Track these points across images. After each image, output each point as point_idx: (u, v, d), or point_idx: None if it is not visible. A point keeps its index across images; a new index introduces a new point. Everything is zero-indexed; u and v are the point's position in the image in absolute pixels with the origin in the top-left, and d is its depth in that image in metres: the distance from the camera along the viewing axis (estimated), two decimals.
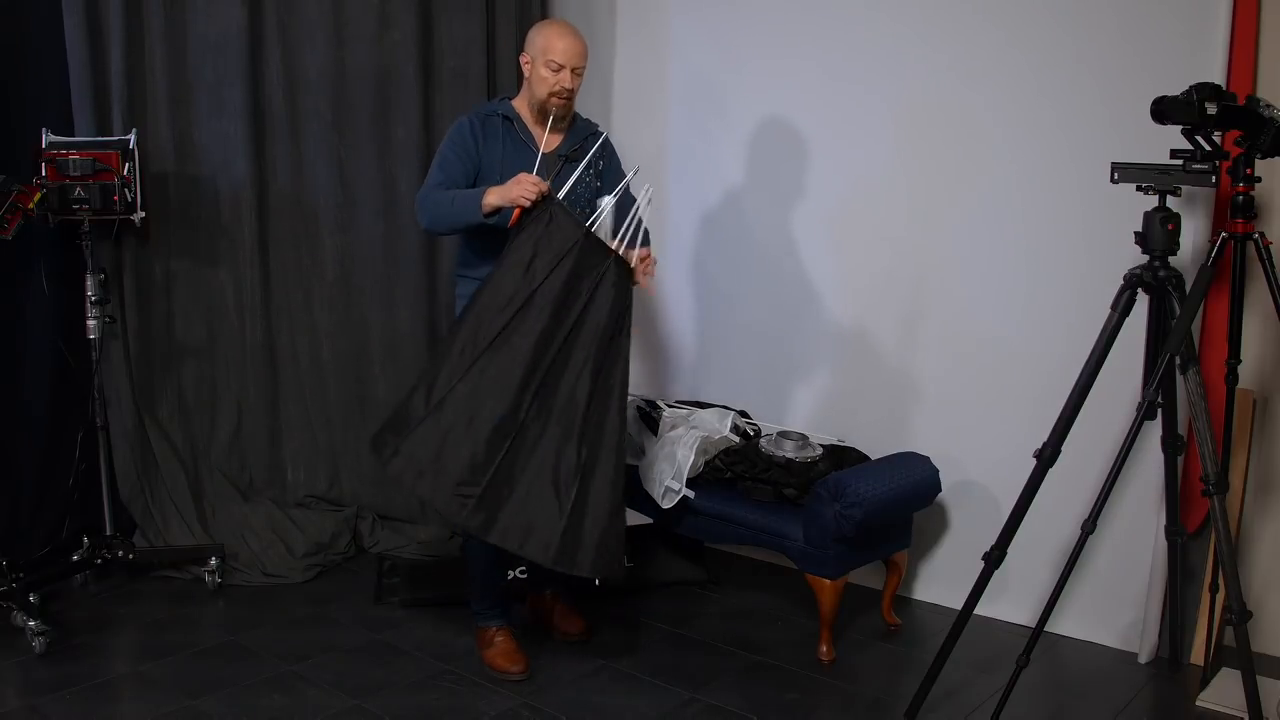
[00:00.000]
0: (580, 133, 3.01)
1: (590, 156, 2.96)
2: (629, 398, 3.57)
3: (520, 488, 2.67)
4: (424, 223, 2.89)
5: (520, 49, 3.96)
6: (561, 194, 2.82)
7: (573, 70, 2.86)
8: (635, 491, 3.32)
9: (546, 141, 2.92)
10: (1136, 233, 2.51)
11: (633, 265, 2.80)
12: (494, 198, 2.73)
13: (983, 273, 3.29)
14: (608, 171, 3.05)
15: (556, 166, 2.93)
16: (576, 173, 2.90)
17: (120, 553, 3.41)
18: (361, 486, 3.97)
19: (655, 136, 3.97)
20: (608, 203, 2.86)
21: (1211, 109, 2.38)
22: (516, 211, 2.72)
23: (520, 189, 2.71)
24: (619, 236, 2.84)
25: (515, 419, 2.68)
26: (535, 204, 2.71)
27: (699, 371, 3.98)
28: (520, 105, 2.96)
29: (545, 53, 2.85)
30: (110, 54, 3.44)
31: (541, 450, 2.69)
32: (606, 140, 3.08)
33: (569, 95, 2.89)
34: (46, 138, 3.21)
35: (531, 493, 2.67)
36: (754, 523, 3.16)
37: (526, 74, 2.92)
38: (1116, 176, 2.53)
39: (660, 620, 3.32)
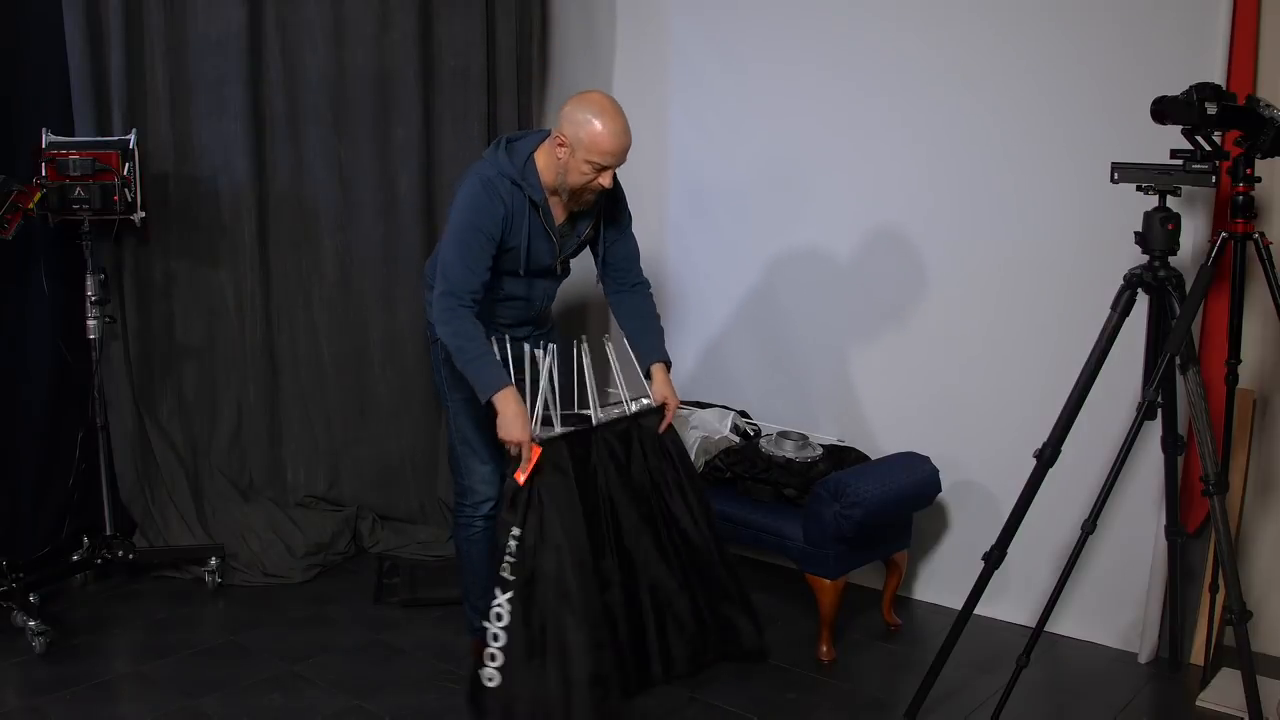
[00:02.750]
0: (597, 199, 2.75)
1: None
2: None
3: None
4: (438, 330, 2.60)
5: (520, 49, 4.02)
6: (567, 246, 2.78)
7: (615, 169, 2.58)
8: None
9: (558, 210, 2.72)
10: (1136, 233, 2.51)
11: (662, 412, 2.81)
12: (501, 411, 2.51)
13: (983, 272, 3.29)
14: (608, 206, 2.81)
15: (570, 247, 2.78)
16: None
17: (120, 553, 3.41)
18: (361, 486, 3.97)
19: (656, 136, 3.97)
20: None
21: (1211, 109, 2.38)
22: (530, 465, 2.53)
23: (514, 450, 2.52)
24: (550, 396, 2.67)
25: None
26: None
27: (699, 371, 3.98)
28: (545, 173, 2.63)
29: (590, 150, 2.51)
30: (110, 54, 3.44)
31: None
32: (613, 191, 2.79)
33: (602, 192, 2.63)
34: (46, 138, 3.21)
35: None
36: (754, 523, 3.16)
37: (560, 156, 2.56)
38: (1116, 176, 2.53)
39: None
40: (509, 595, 2.57)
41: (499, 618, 2.56)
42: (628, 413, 2.82)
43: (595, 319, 4.18)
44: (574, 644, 2.56)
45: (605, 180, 2.58)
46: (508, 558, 2.59)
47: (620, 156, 2.56)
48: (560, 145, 2.57)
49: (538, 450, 2.59)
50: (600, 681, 2.54)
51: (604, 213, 2.80)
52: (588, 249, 2.88)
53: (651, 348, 2.85)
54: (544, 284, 2.84)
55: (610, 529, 2.71)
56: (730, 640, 2.79)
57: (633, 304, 2.90)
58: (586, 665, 2.56)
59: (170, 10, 3.53)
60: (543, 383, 2.72)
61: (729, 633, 2.79)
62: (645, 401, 2.86)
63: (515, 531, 2.59)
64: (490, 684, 2.54)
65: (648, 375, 2.84)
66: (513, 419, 2.51)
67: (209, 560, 3.50)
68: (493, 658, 2.55)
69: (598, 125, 2.51)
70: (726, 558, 2.86)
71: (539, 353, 2.63)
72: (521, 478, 2.59)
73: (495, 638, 2.55)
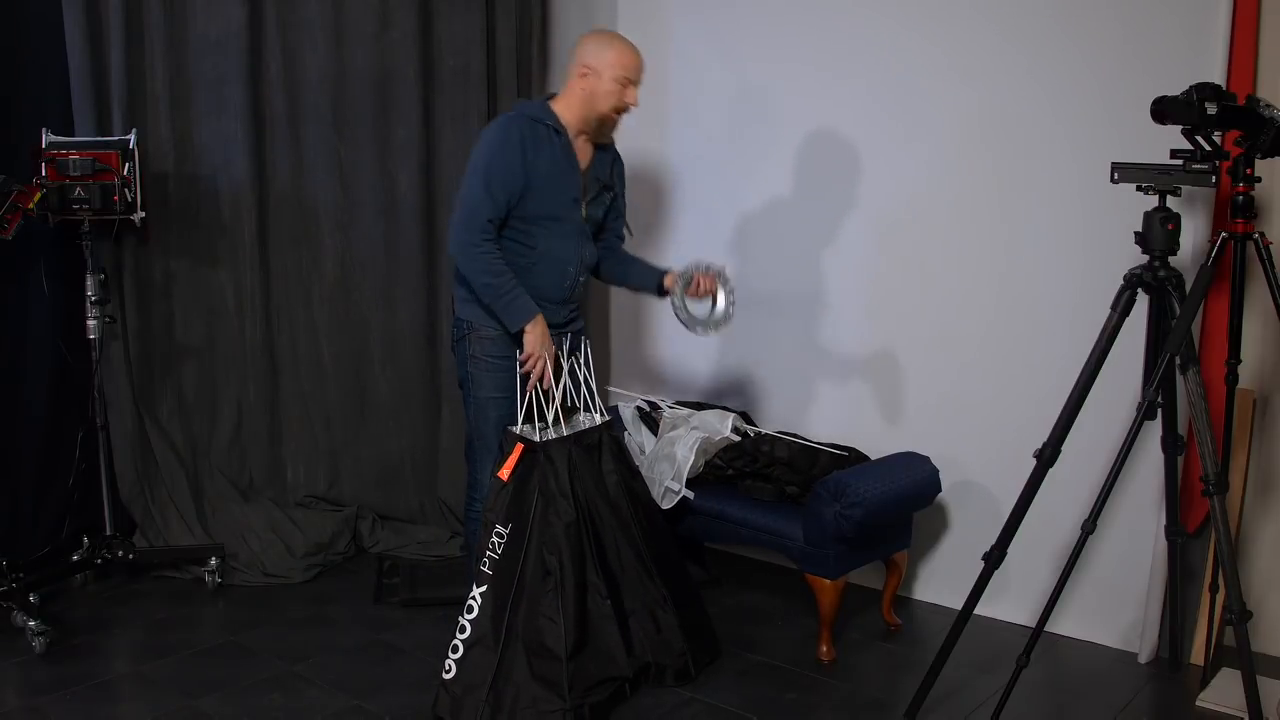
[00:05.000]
0: (609, 154, 3.01)
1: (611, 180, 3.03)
2: (633, 400, 3.62)
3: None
4: (468, 271, 2.79)
5: (520, 47, 4.02)
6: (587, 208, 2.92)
7: (638, 86, 2.84)
8: None
9: (582, 156, 2.90)
10: (1136, 233, 2.51)
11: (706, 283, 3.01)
12: (530, 332, 2.78)
13: (983, 272, 3.29)
14: (621, 193, 3.08)
15: (594, 190, 2.93)
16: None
17: (120, 553, 3.41)
18: (361, 486, 3.97)
19: (656, 137, 3.97)
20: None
21: (1211, 109, 2.38)
22: (512, 460, 2.72)
23: (536, 367, 2.80)
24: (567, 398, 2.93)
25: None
26: (532, 450, 2.74)
27: (700, 372, 3.98)
28: (565, 114, 2.84)
29: (618, 67, 2.79)
30: (110, 54, 3.44)
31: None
32: (621, 164, 3.09)
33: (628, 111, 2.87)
34: (46, 138, 3.21)
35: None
36: (754, 523, 3.16)
37: (583, 88, 2.81)
38: (1116, 176, 2.53)
39: None
40: (483, 589, 2.67)
41: (470, 610, 2.67)
42: (596, 423, 2.92)
43: (595, 321, 4.18)
44: (541, 645, 2.63)
45: (631, 96, 2.83)
46: (489, 553, 2.69)
47: (641, 71, 2.84)
48: (584, 75, 2.81)
49: (520, 448, 2.71)
50: (554, 686, 2.60)
51: (617, 180, 3.04)
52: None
53: (652, 270, 3.11)
54: (577, 244, 2.92)
55: (591, 541, 2.75)
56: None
57: (621, 255, 3.15)
58: (549, 669, 2.62)
59: (170, 10, 3.53)
60: (563, 380, 2.81)
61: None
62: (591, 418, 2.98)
63: (499, 529, 2.68)
64: (447, 675, 2.63)
65: (661, 286, 3.07)
66: (540, 337, 2.80)
67: (209, 560, 3.50)
68: (455, 649, 2.64)
69: (619, 44, 2.83)
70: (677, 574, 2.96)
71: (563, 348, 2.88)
72: (505, 474, 2.69)
73: (462, 629, 2.65)
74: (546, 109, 2.84)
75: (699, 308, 3.01)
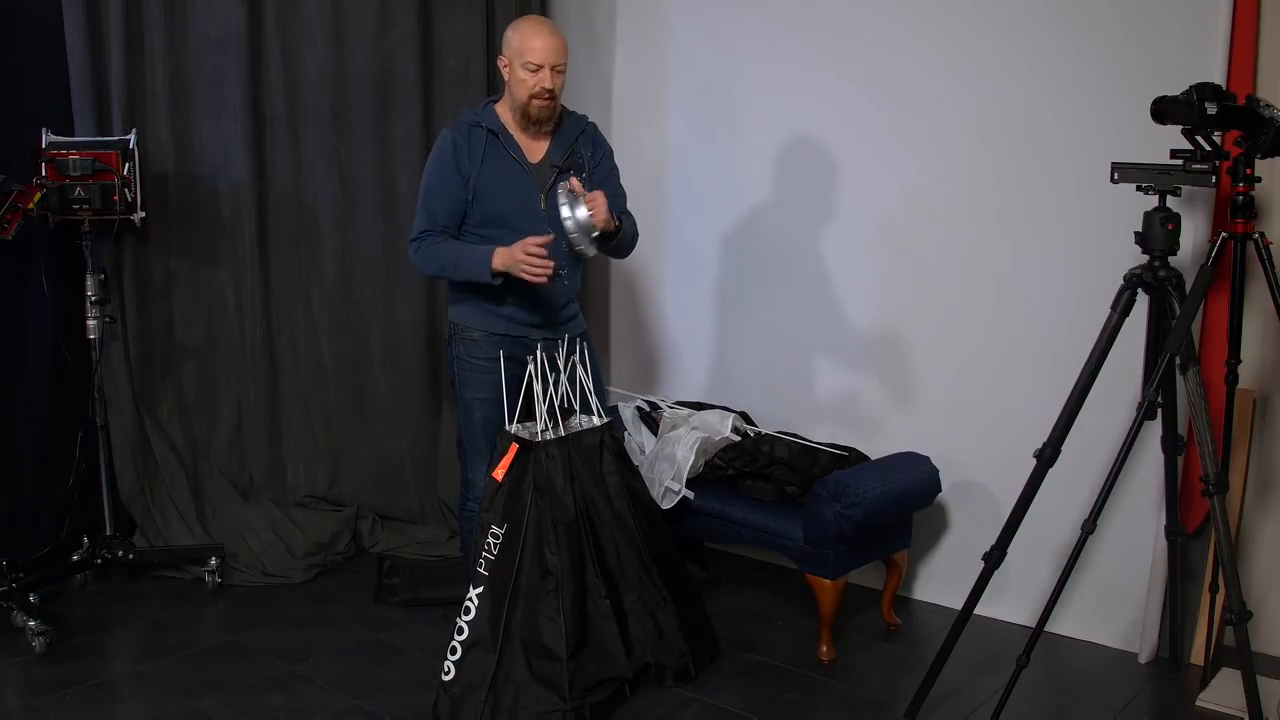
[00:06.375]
0: (569, 133, 2.90)
1: (583, 156, 2.92)
2: (633, 400, 3.61)
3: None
4: (426, 272, 2.88)
5: None
6: (551, 198, 2.83)
7: (553, 69, 2.73)
8: None
9: (533, 149, 2.85)
10: (1136, 233, 2.51)
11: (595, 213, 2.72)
12: (499, 263, 2.71)
13: (983, 272, 3.29)
14: (597, 167, 2.95)
15: (549, 179, 2.84)
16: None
17: (120, 553, 3.41)
18: (361, 486, 3.97)
19: (656, 137, 3.97)
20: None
21: (1211, 109, 2.38)
22: (507, 460, 2.70)
23: (528, 264, 2.64)
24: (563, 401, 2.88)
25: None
26: (528, 447, 2.70)
27: (700, 372, 3.98)
28: (504, 112, 2.84)
29: (521, 54, 2.73)
30: (110, 54, 3.44)
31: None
32: (595, 131, 2.97)
33: (551, 96, 2.77)
34: (46, 138, 3.21)
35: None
36: (754, 523, 3.16)
37: (505, 77, 2.81)
38: (1116, 176, 2.53)
39: None
40: (480, 590, 2.67)
41: (467, 611, 2.67)
42: (595, 424, 2.91)
43: (595, 321, 4.19)
44: (541, 646, 2.63)
45: (544, 80, 2.73)
46: (485, 554, 2.68)
47: (549, 54, 2.73)
48: (504, 67, 2.81)
49: (515, 448, 2.70)
50: (554, 687, 2.60)
51: (598, 181, 2.91)
52: None
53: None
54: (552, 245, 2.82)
55: (590, 542, 2.74)
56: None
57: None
58: (548, 669, 2.62)
59: (170, 10, 3.53)
60: (562, 384, 2.80)
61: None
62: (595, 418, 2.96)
63: (494, 530, 2.68)
64: (446, 677, 2.64)
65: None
66: (507, 255, 2.70)
67: (209, 560, 3.50)
68: (453, 651, 2.65)
69: (523, 27, 2.77)
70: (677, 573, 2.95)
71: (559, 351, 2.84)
72: (499, 474, 2.70)
73: (460, 630, 2.65)
74: (487, 110, 2.86)
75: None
